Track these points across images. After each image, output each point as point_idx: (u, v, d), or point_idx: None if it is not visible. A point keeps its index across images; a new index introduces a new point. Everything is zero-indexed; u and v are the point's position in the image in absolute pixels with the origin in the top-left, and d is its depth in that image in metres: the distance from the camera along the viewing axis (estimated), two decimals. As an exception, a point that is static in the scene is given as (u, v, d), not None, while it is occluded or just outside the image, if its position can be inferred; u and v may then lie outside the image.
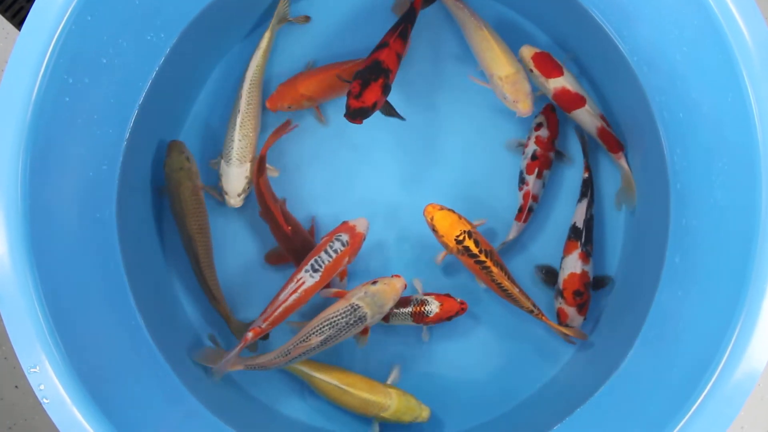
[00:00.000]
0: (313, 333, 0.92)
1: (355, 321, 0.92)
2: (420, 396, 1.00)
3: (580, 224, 1.02)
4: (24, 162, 0.78)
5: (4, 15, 1.22)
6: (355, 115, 0.92)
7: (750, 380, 0.76)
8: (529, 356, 1.04)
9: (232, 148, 1.01)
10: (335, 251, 0.95)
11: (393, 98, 0.97)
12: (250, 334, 0.93)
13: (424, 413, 0.99)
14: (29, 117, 0.78)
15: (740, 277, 0.78)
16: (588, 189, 1.04)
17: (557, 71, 1.02)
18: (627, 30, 0.94)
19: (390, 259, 1.06)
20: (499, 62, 1.00)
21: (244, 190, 1.02)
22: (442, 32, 1.09)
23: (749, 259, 0.78)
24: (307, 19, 1.08)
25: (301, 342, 0.92)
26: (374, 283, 0.94)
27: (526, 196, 1.03)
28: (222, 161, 1.02)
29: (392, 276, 0.96)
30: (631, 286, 1.01)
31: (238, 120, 1.02)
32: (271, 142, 1.01)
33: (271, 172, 1.04)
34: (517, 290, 0.97)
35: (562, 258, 1.03)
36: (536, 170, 1.03)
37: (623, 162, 1.03)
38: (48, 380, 0.76)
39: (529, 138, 1.05)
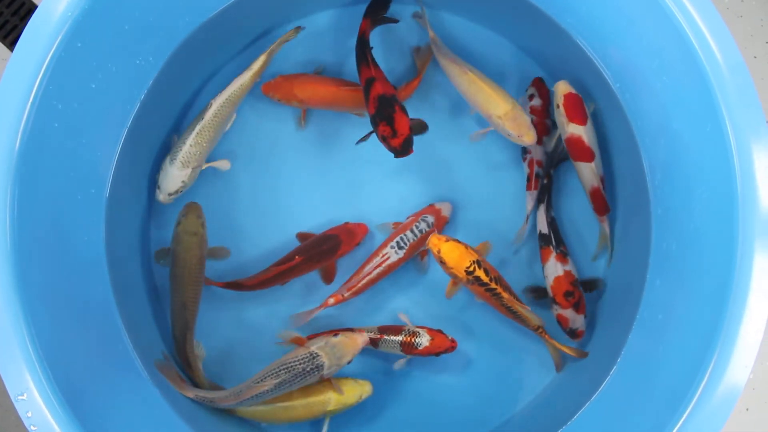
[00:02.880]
0: (269, 375, 0.91)
1: (311, 369, 0.91)
2: (415, 419, 1.01)
3: (545, 230, 1.03)
4: (14, 184, 0.79)
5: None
6: (404, 148, 0.94)
7: (731, 398, 0.78)
8: (513, 375, 1.05)
9: (181, 150, 0.99)
10: (420, 231, 1.01)
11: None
12: (331, 300, 0.98)
13: (367, 387, 0.98)
14: (18, 144, 0.79)
15: (719, 301, 0.80)
16: (545, 195, 1.05)
17: (581, 119, 1.00)
18: (610, 58, 0.96)
19: (389, 285, 1.06)
20: (493, 102, 1.00)
21: (176, 191, 1.01)
22: (433, 63, 1.08)
23: (727, 284, 0.80)
24: (298, 30, 1.06)
25: (255, 383, 0.91)
26: (336, 335, 0.95)
27: (531, 164, 1.05)
28: (168, 157, 1.01)
29: (355, 330, 0.97)
30: (614, 308, 1.02)
31: (198, 127, 1.00)
32: None
33: (223, 165, 1.03)
34: (527, 311, 0.97)
35: (543, 267, 1.03)
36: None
37: (605, 225, 1.04)
38: (36, 407, 0.76)
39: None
